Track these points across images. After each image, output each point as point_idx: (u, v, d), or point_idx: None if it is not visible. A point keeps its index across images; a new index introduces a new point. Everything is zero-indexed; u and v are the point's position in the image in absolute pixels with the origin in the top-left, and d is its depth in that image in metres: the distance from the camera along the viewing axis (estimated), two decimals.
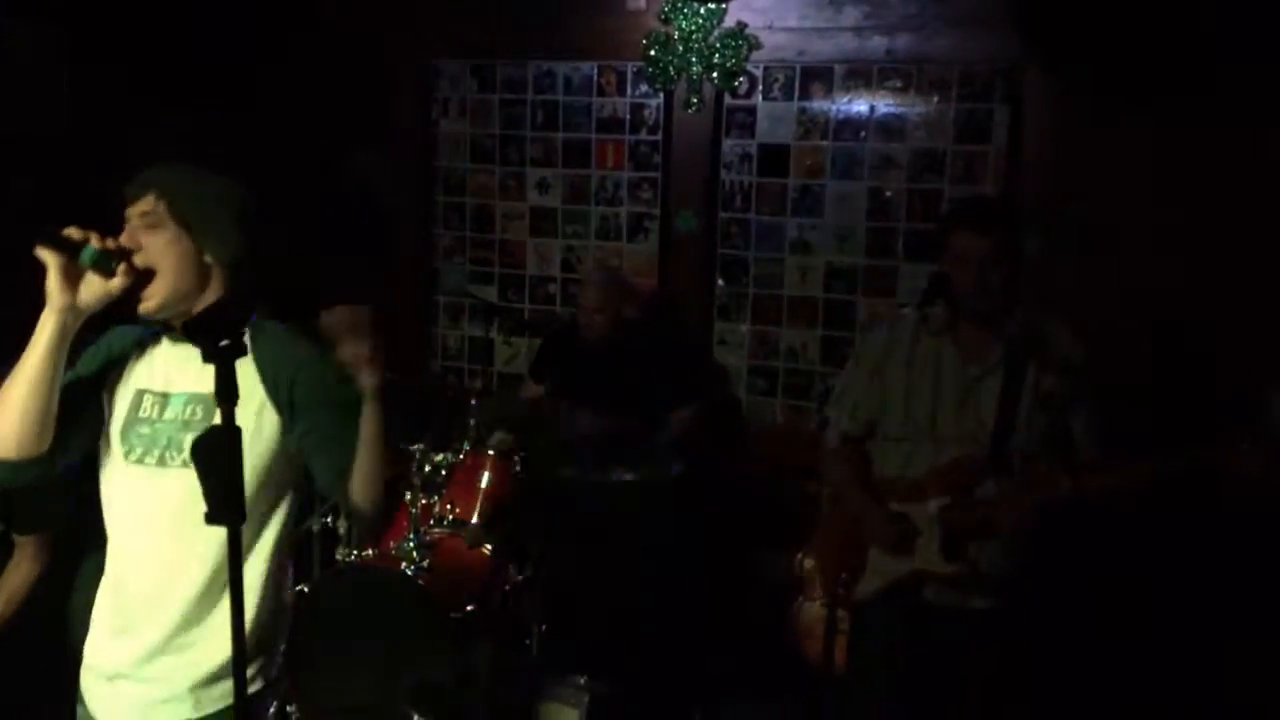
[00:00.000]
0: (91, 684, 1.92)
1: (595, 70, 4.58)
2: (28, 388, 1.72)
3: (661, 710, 3.56)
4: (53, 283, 1.69)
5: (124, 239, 1.78)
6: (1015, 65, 4.01)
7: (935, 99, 4.17)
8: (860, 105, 4.27)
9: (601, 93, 4.60)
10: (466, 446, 3.65)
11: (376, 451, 1.83)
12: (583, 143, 4.65)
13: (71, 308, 1.71)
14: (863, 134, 4.28)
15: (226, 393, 1.46)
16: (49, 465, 1.80)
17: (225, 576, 1.66)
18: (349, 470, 1.83)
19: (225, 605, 1.69)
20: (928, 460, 2.57)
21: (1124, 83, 3.71)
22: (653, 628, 3.67)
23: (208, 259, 1.83)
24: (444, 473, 3.55)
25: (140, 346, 1.92)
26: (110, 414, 1.89)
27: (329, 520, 3.53)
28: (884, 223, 4.30)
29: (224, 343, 1.47)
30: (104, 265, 1.69)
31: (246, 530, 1.76)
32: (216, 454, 1.47)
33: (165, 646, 1.84)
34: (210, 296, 1.83)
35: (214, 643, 1.83)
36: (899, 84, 4.21)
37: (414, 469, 3.37)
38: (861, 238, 4.33)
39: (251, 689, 1.85)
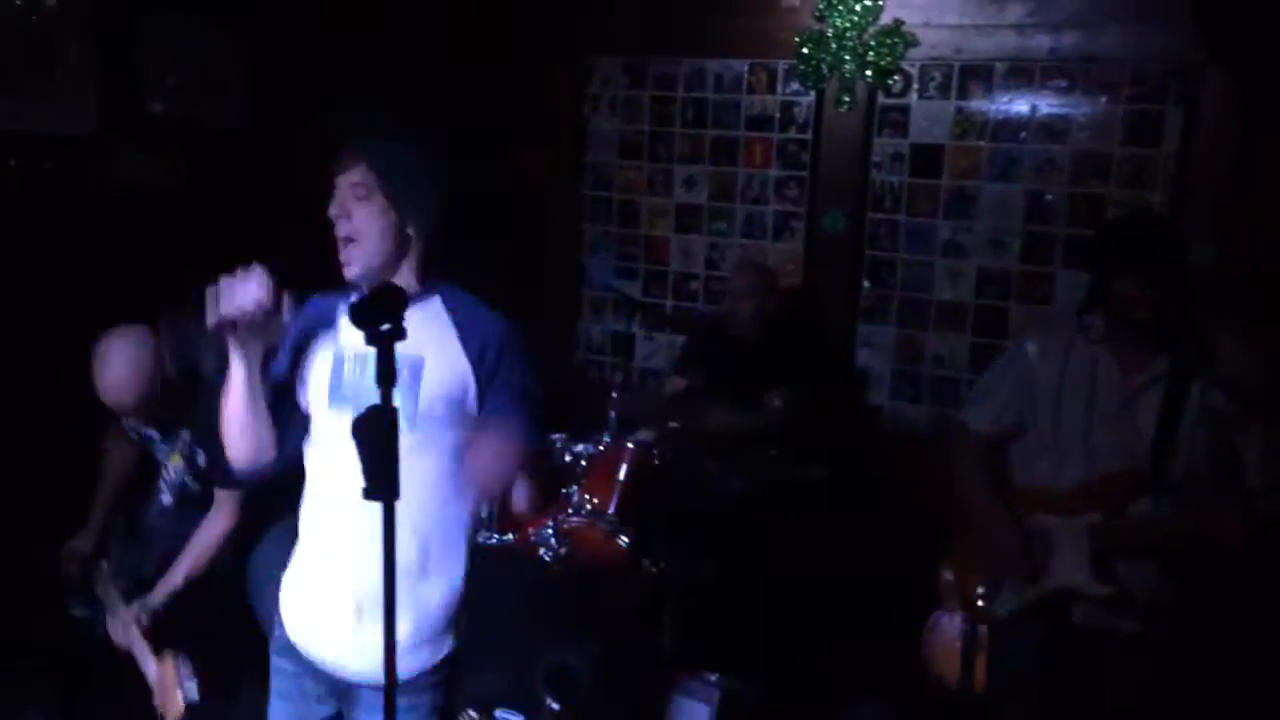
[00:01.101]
0: (305, 638, 2.01)
1: (746, 68, 4.57)
2: (239, 422, 1.90)
3: (792, 711, 3.53)
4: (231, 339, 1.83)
5: (334, 208, 1.89)
6: (1190, 64, 3.81)
7: (1102, 99, 4.00)
8: (1021, 105, 4.12)
9: (751, 90, 4.58)
10: (606, 438, 3.70)
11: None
12: (731, 140, 4.65)
13: (253, 350, 1.86)
14: (1023, 134, 4.13)
15: (386, 375, 1.53)
16: (281, 456, 1.96)
17: (435, 540, 1.86)
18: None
19: (438, 566, 1.89)
20: (1079, 473, 2.47)
21: None
22: (785, 628, 3.65)
23: (409, 230, 1.92)
24: (583, 463, 3.61)
25: (336, 310, 2.00)
26: (314, 380, 1.98)
27: None
28: (1042, 227, 4.15)
29: (385, 327, 1.54)
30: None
31: (447, 487, 1.90)
32: (375, 432, 1.53)
33: (374, 608, 1.89)
34: (409, 265, 1.93)
35: (422, 607, 1.92)
36: (1063, 83, 4.05)
37: (554, 458, 3.45)
38: (1017, 242, 4.19)
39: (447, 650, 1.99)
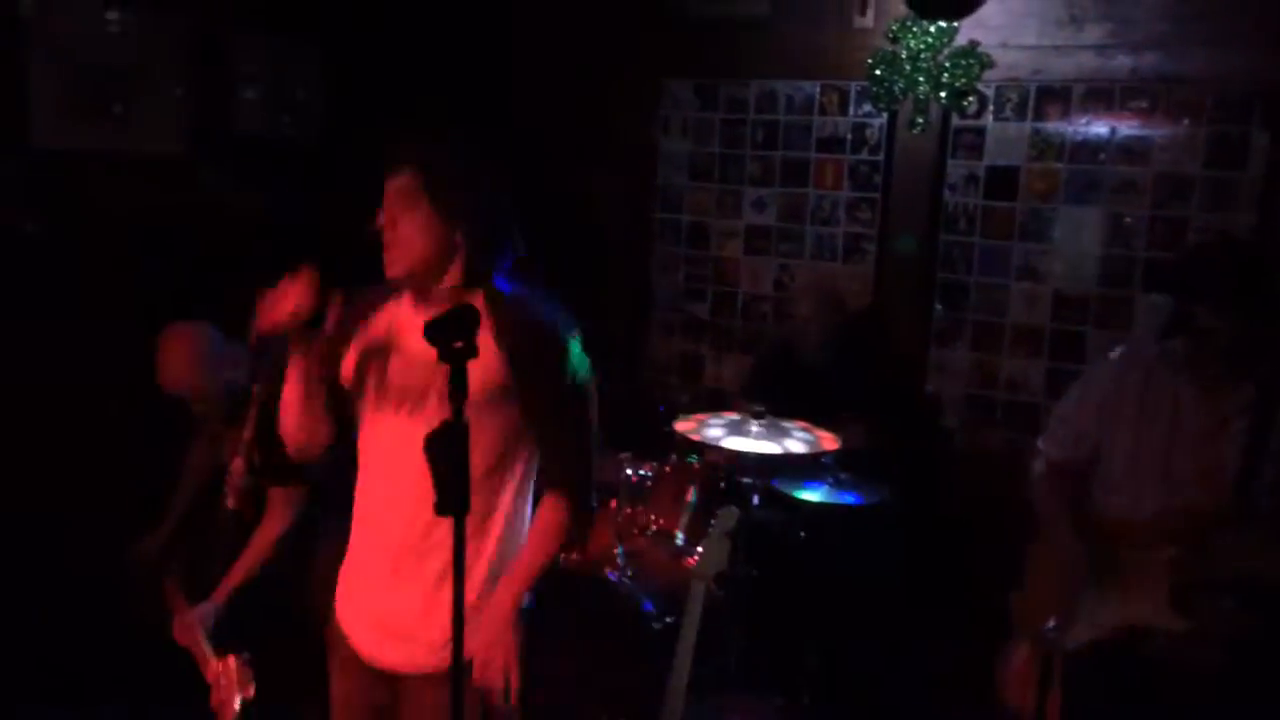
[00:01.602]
0: (356, 626, 2.06)
1: (817, 89, 4.56)
2: (295, 409, 1.98)
3: None
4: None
5: (384, 212, 1.91)
6: (1275, 86, 3.70)
7: (1185, 121, 3.91)
8: (1100, 126, 4.05)
9: (823, 112, 4.57)
10: (673, 458, 3.70)
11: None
12: (801, 162, 4.64)
13: (306, 347, 1.95)
14: (1102, 156, 4.06)
15: (458, 392, 1.55)
16: (339, 442, 2.03)
17: (481, 522, 1.91)
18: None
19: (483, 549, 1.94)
20: (1157, 503, 2.40)
21: None
22: (853, 651, 3.60)
23: (456, 235, 1.92)
24: (649, 484, 3.61)
25: (380, 303, 2.05)
26: (360, 373, 2.02)
27: None
28: (1121, 250, 4.06)
29: (458, 345, 1.57)
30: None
31: (495, 475, 1.94)
32: (447, 448, 1.56)
33: (432, 594, 1.94)
34: (455, 270, 1.94)
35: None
36: (1144, 104, 3.97)
37: (620, 477, 3.45)
38: (1095, 265, 4.11)
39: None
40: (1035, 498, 2.66)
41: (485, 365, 1.87)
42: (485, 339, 1.91)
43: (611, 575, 3.17)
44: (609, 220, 5.02)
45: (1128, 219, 4.04)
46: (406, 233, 1.89)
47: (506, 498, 2.01)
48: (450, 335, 1.57)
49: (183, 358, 2.84)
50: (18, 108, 3.24)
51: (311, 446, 2.03)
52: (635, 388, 5.03)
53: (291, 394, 1.98)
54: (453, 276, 1.94)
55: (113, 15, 3.46)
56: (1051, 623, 2.48)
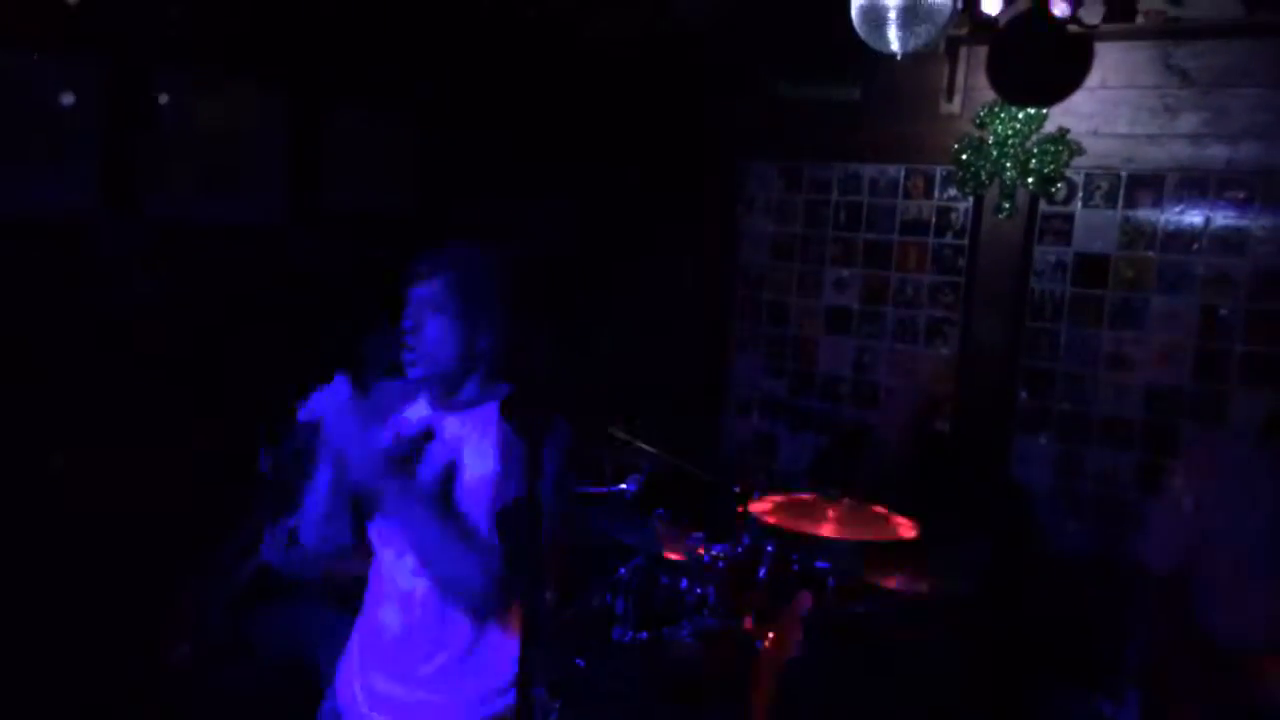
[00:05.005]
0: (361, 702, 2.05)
1: (902, 172, 4.56)
2: (321, 510, 1.97)
3: None
4: None
5: (407, 318, 1.94)
6: None
7: None
8: (1194, 216, 3.96)
9: (908, 195, 4.56)
10: (746, 539, 3.65)
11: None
12: (884, 244, 4.62)
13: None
14: (1195, 247, 3.96)
15: (534, 468, 1.56)
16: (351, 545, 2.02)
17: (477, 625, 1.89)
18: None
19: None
20: (1263, 614, 2.27)
21: None
22: None
23: (480, 344, 1.96)
24: (720, 565, 3.56)
25: (395, 394, 2.08)
26: (371, 463, 1.99)
27: (607, 598, 3.63)
28: (1216, 343, 3.94)
29: (535, 423, 1.58)
30: None
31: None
32: (516, 523, 1.56)
33: (439, 680, 1.96)
34: (476, 375, 1.98)
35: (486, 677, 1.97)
36: (1241, 194, 3.88)
37: (691, 557, 3.41)
38: (1189, 357, 3.99)
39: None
40: (1151, 612, 2.50)
41: (481, 471, 1.94)
42: (487, 446, 1.95)
43: (676, 653, 3.11)
44: (690, 298, 5.05)
45: (1223, 311, 3.92)
46: (431, 340, 1.94)
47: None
48: (527, 413, 1.59)
49: None
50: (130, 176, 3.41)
51: (333, 545, 2.01)
52: (710, 466, 4.99)
53: (318, 495, 1.97)
54: (472, 388, 1.99)
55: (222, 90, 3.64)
56: None
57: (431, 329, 1.93)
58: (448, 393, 1.99)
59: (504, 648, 1.97)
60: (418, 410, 2.06)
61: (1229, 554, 2.34)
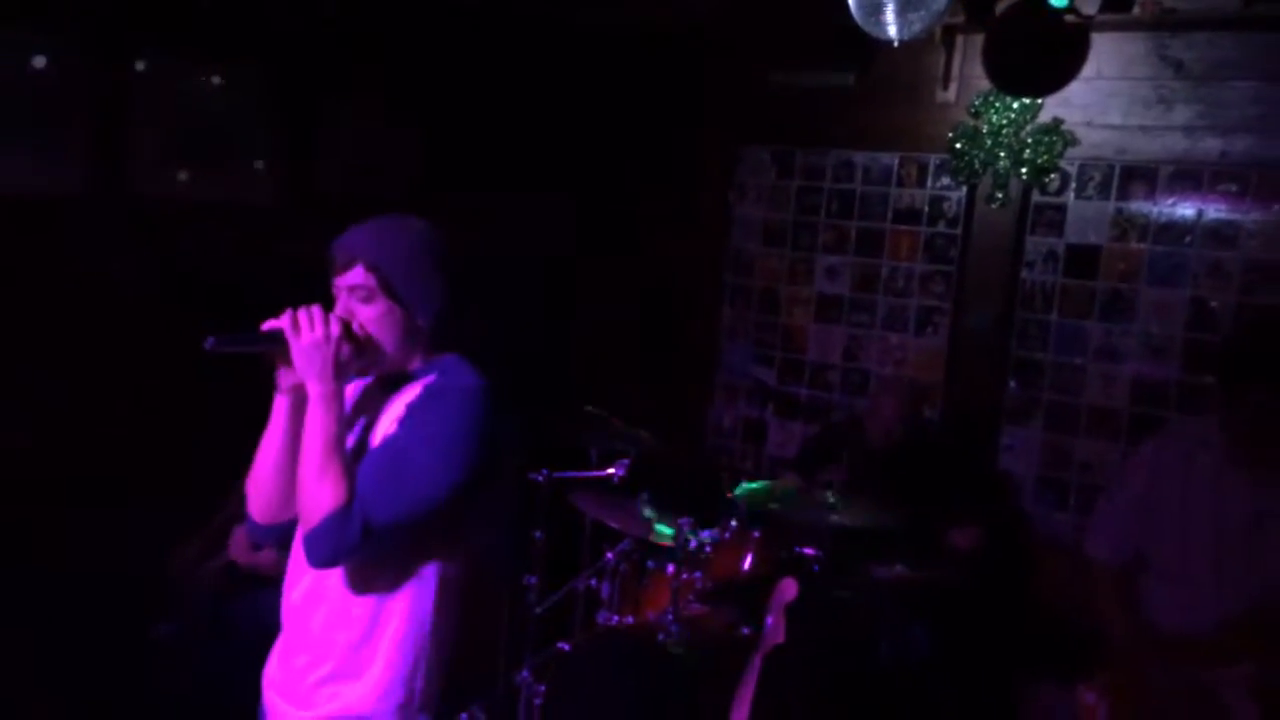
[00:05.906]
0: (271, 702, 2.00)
1: (896, 161, 4.54)
2: (273, 465, 1.87)
3: None
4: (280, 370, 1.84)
5: (339, 312, 1.83)
6: None
7: (1276, 206, 3.80)
8: (1186, 208, 3.96)
9: (901, 183, 4.54)
10: (733, 524, 3.65)
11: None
12: (876, 232, 4.61)
13: (297, 387, 1.82)
14: (1188, 239, 3.96)
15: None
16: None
17: (380, 605, 1.82)
18: None
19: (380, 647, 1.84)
20: (1212, 608, 2.25)
21: None
22: None
23: (418, 320, 1.85)
24: (707, 550, 3.56)
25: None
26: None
27: (593, 582, 3.63)
28: (1206, 335, 3.94)
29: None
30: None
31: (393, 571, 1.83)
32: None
33: (327, 679, 1.87)
34: (421, 350, 1.88)
35: (363, 685, 1.86)
36: (1234, 188, 3.88)
37: (679, 543, 3.40)
38: (1178, 349, 3.99)
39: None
40: (1096, 604, 2.50)
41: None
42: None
43: (662, 638, 3.11)
44: (679, 283, 5.03)
45: (1213, 304, 3.93)
46: (371, 329, 1.83)
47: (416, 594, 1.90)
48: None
49: None
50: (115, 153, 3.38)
51: (278, 518, 1.92)
52: (697, 452, 4.99)
53: (270, 449, 1.88)
54: (416, 361, 1.89)
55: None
56: None
57: (365, 318, 1.82)
58: (396, 379, 1.90)
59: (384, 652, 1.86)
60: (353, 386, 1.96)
61: (1173, 557, 2.33)
